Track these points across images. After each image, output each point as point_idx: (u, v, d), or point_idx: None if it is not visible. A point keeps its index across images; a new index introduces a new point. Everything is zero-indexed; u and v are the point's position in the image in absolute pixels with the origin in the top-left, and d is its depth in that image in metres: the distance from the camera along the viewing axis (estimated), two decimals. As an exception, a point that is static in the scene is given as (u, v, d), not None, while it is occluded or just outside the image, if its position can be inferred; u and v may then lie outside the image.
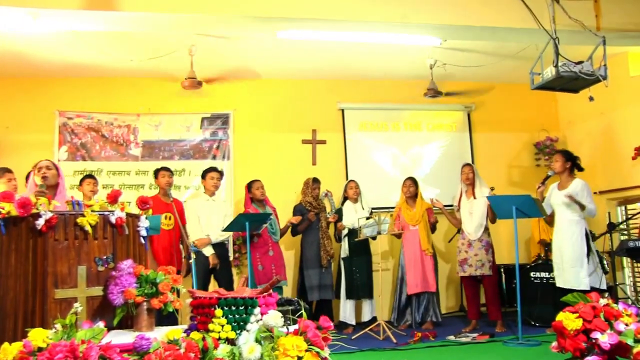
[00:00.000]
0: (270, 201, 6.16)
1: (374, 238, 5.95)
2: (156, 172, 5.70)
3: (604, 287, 5.10)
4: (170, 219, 5.49)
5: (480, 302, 6.08)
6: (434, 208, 6.26)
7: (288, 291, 6.37)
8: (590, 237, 5.23)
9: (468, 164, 6.13)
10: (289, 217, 6.21)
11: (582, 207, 5.13)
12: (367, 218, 5.92)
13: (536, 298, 5.82)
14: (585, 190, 5.19)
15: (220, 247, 5.75)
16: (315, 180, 6.32)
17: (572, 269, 5.15)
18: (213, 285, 5.71)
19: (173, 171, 5.81)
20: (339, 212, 6.30)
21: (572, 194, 5.14)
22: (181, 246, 5.61)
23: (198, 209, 5.70)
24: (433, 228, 6.29)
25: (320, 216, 6.24)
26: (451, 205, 6.31)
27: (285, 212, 6.32)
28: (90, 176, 5.65)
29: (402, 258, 6.28)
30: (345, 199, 6.38)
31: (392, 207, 6.57)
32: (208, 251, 5.60)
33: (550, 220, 5.81)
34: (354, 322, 6.12)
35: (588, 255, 5.13)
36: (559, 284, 5.26)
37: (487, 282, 5.86)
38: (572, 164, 5.33)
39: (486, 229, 5.88)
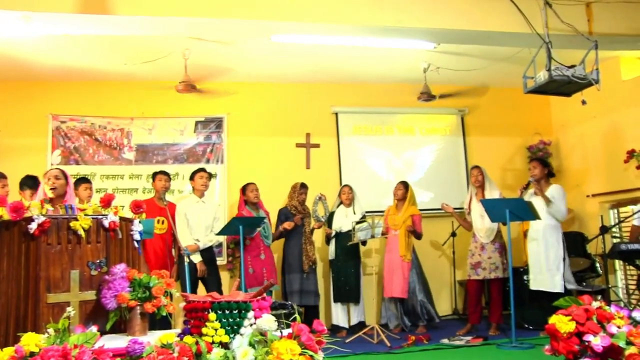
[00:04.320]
0: (264, 205, 6.14)
1: (364, 243, 5.95)
2: (154, 176, 5.64)
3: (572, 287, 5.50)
4: (163, 222, 5.47)
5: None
6: (441, 211, 6.24)
7: (277, 295, 6.39)
8: (564, 242, 5.50)
9: (477, 167, 6.08)
10: (285, 221, 6.22)
11: (549, 201, 5.44)
12: (358, 222, 5.87)
13: (529, 301, 5.83)
14: (561, 193, 5.53)
15: (207, 252, 5.66)
16: (303, 186, 6.30)
17: (549, 272, 5.42)
18: (201, 290, 5.64)
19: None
20: (330, 216, 6.31)
21: (548, 196, 5.47)
22: (173, 250, 5.58)
23: (187, 211, 5.62)
24: (417, 235, 6.16)
25: (304, 221, 6.23)
26: (461, 208, 6.31)
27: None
28: (85, 180, 5.58)
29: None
30: (340, 202, 6.39)
31: (386, 211, 6.57)
32: (196, 258, 5.51)
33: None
34: (347, 325, 6.12)
35: (564, 259, 5.43)
36: (534, 286, 5.53)
37: (496, 285, 5.83)
38: (548, 170, 5.66)
39: (498, 231, 5.88)
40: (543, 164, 5.66)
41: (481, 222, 5.88)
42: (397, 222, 6.14)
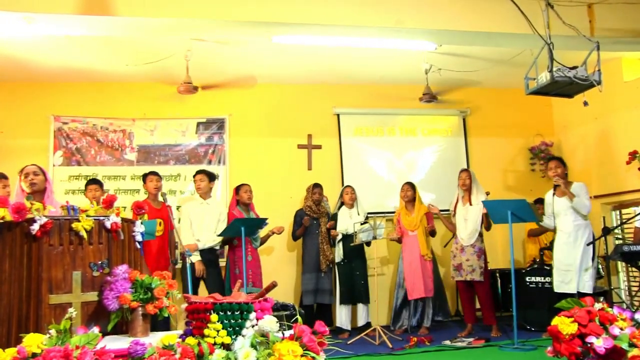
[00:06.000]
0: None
1: (368, 244, 5.94)
2: (144, 177, 5.69)
3: (595, 290, 5.33)
4: (160, 224, 5.47)
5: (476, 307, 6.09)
6: (442, 213, 6.25)
7: (289, 296, 6.43)
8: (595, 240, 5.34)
9: (465, 170, 6.11)
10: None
11: (573, 196, 5.30)
12: (362, 223, 5.91)
13: (532, 302, 5.83)
14: (584, 188, 5.41)
15: (209, 253, 5.67)
16: (316, 185, 6.33)
17: (586, 272, 5.24)
18: (202, 291, 5.64)
19: (163, 176, 5.80)
20: (334, 217, 6.31)
21: (574, 194, 5.32)
22: (169, 251, 5.58)
23: (190, 212, 5.71)
24: (432, 233, 6.26)
25: (320, 221, 6.25)
26: (449, 210, 6.31)
27: (281, 216, 6.33)
28: (94, 181, 5.58)
29: (400, 264, 6.27)
30: (341, 204, 6.39)
31: (388, 212, 6.59)
32: (194, 257, 5.51)
33: (539, 231, 6.30)
34: (349, 327, 6.12)
35: (593, 259, 5.29)
36: (565, 289, 5.25)
37: (479, 288, 5.84)
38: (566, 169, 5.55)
39: (480, 235, 5.87)
40: (563, 162, 5.54)
41: (464, 225, 5.88)
42: (413, 222, 6.14)
